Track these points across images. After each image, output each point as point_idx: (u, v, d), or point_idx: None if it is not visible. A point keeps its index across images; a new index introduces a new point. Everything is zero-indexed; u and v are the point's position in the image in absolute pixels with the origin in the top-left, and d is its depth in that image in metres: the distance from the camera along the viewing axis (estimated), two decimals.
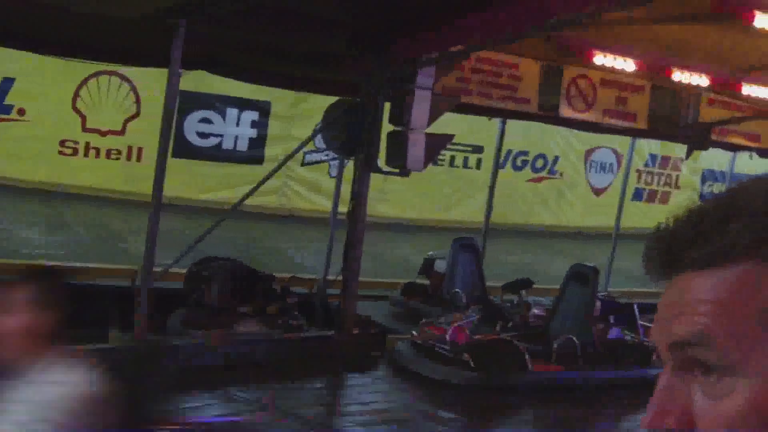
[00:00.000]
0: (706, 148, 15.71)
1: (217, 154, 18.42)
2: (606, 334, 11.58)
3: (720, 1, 9.53)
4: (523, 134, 19.87)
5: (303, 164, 18.87)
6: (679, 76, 12.46)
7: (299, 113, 18.68)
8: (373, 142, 10.89)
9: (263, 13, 9.75)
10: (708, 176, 25.52)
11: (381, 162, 11.07)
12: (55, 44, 11.51)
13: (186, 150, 17.48)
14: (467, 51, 10.91)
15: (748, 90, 13.05)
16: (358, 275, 11.12)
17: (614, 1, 8.78)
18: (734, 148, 16.64)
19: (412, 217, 20.45)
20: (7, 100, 16.96)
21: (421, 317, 11.75)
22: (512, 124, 15.23)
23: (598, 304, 11.81)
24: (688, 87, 13.22)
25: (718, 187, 24.91)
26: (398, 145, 10.64)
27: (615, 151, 23.03)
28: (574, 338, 11.07)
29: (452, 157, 20.69)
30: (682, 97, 14.22)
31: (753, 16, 9.25)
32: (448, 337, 10.52)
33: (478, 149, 20.80)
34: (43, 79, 16.85)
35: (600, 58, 12.01)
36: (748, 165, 17.92)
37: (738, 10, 9.43)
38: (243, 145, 18.71)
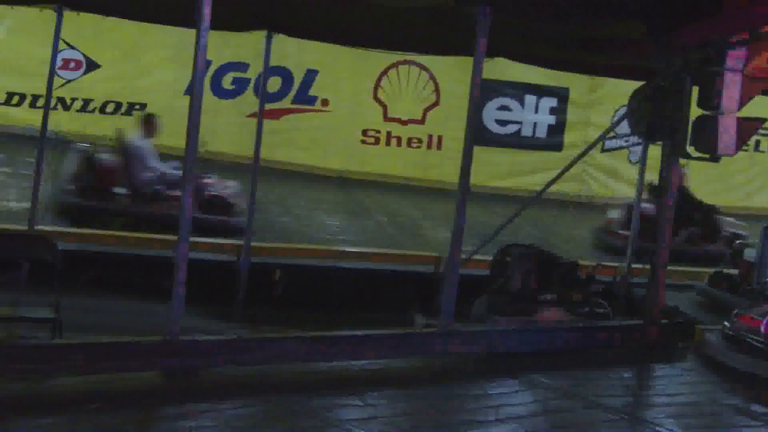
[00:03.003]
0: None
1: (516, 141, 18.50)
2: None
3: None
4: None
5: (602, 150, 18.65)
6: None
7: (597, 99, 18.53)
8: (681, 127, 10.59)
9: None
10: None
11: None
12: (357, 35, 11.82)
13: (485, 137, 17.64)
14: None
15: None
16: (667, 264, 10.84)
17: None
18: None
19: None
20: (311, 92, 17.66)
21: (728, 308, 11.34)
22: None
23: None
24: None
25: None
26: (708, 129, 10.29)
27: None
28: None
29: (757, 142, 19.92)
30: None
31: None
32: (763, 329, 10.09)
33: None
34: (344, 70, 17.40)
35: None
36: None
37: None
38: (542, 132, 18.71)
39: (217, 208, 13.20)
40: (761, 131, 18.75)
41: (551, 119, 18.61)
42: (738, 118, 10.39)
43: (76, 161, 13.34)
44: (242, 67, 17.47)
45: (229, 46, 16.74)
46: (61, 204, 12.89)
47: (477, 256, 11.61)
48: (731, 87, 10.30)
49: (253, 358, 8.43)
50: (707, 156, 10.52)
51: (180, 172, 12.22)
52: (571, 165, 11.73)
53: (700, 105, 10.57)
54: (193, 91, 7.83)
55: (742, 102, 10.44)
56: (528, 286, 10.91)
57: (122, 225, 13.12)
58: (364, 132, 17.88)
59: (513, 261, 11.05)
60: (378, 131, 17.91)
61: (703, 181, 18.90)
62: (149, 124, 13.58)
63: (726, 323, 10.58)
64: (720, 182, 19.67)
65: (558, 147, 18.42)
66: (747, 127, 10.63)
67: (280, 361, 8.65)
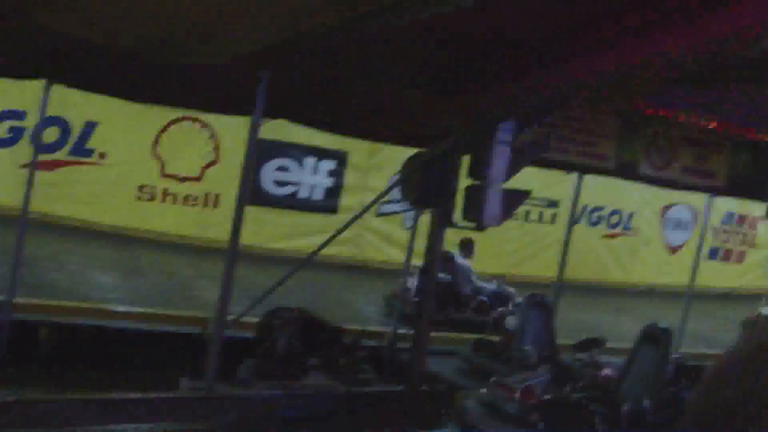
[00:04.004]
0: None
1: (292, 203, 18.47)
2: (680, 398, 11.29)
3: None
4: (599, 189, 19.54)
5: (378, 215, 18.84)
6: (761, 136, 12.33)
7: (376, 163, 18.71)
8: (450, 197, 10.83)
9: (343, 64, 9.77)
10: None
11: (457, 216, 11.00)
12: (138, 90, 11.61)
13: (262, 198, 17.54)
14: (549, 107, 10.83)
15: None
16: (430, 330, 11.03)
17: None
18: None
19: (483, 271, 20.27)
20: (90, 144, 17.15)
21: (490, 374, 11.60)
22: (589, 179, 15.01)
23: (671, 367, 11.54)
24: None
25: None
26: (475, 199, 10.58)
27: (691, 208, 22.63)
28: (645, 402, 10.82)
29: (527, 212, 20.52)
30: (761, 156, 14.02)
31: None
32: (517, 396, 10.36)
33: (554, 204, 20.61)
34: (125, 124, 17.02)
35: (682, 116, 11.89)
36: None
37: None
38: (319, 194, 18.75)
39: (484, 311, 15.68)
40: (530, 202, 19.30)
41: (329, 182, 18.67)
42: (504, 190, 10.70)
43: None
44: (20, 115, 16.91)
45: (7, 93, 16.19)
46: (401, 312, 13.48)
47: (248, 318, 11.53)
48: (500, 159, 10.62)
49: (13, 421, 8.14)
50: (473, 225, 10.79)
51: (492, 286, 16.24)
52: (343, 229, 11.82)
53: (470, 175, 10.85)
54: None
55: (510, 174, 10.76)
56: (294, 350, 10.90)
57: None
58: (141, 188, 17.49)
59: (279, 324, 11.04)
60: (154, 188, 17.58)
61: (480, 248, 19.38)
62: (468, 247, 16.28)
63: (484, 390, 10.82)
64: (494, 250, 20.10)
65: (334, 209, 18.49)
66: (512, 199, 10.98)
67: (44, 426, 8.38)
